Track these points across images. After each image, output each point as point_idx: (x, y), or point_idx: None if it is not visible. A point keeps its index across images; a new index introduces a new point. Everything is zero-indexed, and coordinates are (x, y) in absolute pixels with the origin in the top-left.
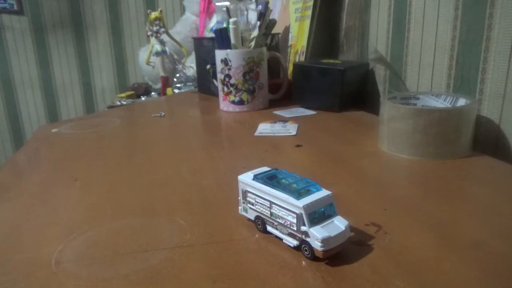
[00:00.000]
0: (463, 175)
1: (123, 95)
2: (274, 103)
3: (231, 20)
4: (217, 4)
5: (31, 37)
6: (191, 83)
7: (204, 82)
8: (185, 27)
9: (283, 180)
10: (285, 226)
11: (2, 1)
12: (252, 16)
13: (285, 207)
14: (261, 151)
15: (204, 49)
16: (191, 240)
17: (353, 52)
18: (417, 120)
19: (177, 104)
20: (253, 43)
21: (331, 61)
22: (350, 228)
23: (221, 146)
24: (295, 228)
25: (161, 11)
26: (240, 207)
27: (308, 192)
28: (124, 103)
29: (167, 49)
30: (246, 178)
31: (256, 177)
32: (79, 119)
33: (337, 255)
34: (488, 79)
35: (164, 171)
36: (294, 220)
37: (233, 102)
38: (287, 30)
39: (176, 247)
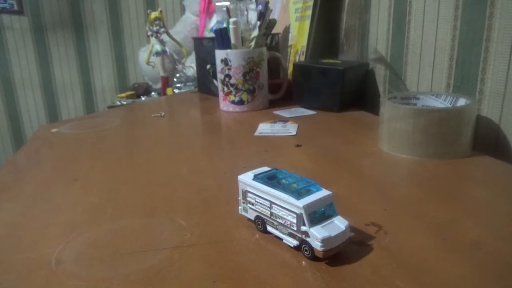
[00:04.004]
0: (463, 175)
1: (123, 95)
2: (274, 103)
3: (231, 20)
4: (217, 4)
5: (31, 37)
6: (191, 83)
7: (204, 82)
8: (185, 27)
9: (283, 180)
10: (285, 226)
11: (2, 1)
12: (252, 16)
13: (285, 207)
14: (261, 151)
15: (204, 49)
16: (191, 240)
17: (353, 52)
18: (417, 120)
19: (177, 104)
20: (253, 43)
21: (331, 61)
22: (350, 228)
23: (221, 146)
24: (295, 228)
25: (161, 11)
26: (240, 207)
27: (308, 192)
28: (124, 103)
29: (167, 49)
30: (246, 178)
31: (256, 177)
32: (79, 119)
33: (337, 255)
34: (488, 79)
35: (164, 171)
36: (294, 220)
37: (233, 102)
38: (287, 30)
39: (176, 247)
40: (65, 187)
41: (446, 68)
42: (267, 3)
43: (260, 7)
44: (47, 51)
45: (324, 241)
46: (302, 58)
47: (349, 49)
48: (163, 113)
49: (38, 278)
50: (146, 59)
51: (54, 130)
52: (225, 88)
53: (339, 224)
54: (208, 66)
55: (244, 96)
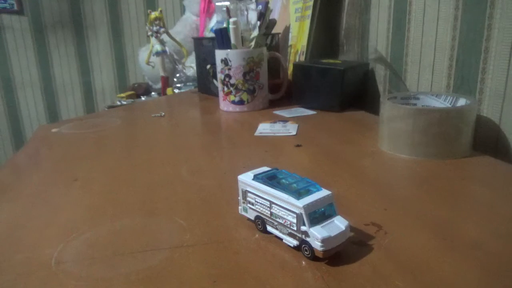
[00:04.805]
0: (463, 175)
1: (123, 95)
2: (274, 103)
3: (231, 20)
4: (217, 4)
5: (31, 37)
6: (191, 83)
7: (204, 82)
8: (185, 27)
9: (283, 180)
10: (285, 226)
11: (2, 1)
12: (252, 16)
13: (285, 207)
14: (261, 151)
15: (204, 49)
16: (191, 240)
17: (353, 52)
18: (417, 120)
19: (177, 104)
20: (253, 43)
21: (331, 61)
22: (350, 228)
23: (221, 146)
24: (295, 228)
25: (161, 11)
26: (240, 207)
27: (308, 192)
28: (124, 103)
29: (167, 49)
30: (246, 178)
31: (256, 177)
32: (79, 119)
33: (337, 255)
34: (488, 79)
35: (164, 171)
36: (294, 220)
37: (233, 102)
38: (287, 30)
39: (176, 247)
40: (65, 187)
41: (446, 68)
42: (267, 3)
43: (260, 7)
44: (47, 51)
45: (324, 241)
46: (302, 58)
47: (349, 49)
48: (163, 113)
49: (38, 278)
50: (146, 59)
51: (54, 130)
52: (225, 88)
53: (339, 224)
54: (208, 66)
55: (244, 96)
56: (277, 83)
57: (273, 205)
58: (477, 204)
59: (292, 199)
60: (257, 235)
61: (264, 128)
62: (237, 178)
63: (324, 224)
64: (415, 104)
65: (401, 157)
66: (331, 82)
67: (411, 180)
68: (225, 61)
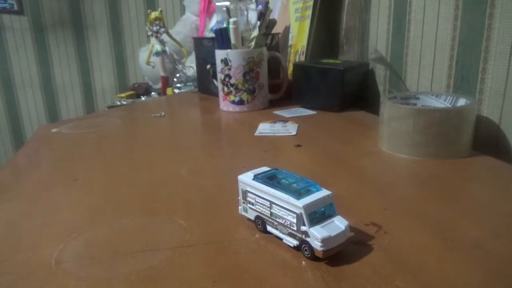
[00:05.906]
0: (463, 175)
1: (123, 95)
2: (274, 103)
3: (231, 20)
4: (217, 4)
5: (31, 37)
6: (191, 83)
7: (204, 82)
8: (185, 27)
9: (283, 180)
10: (285, 226)
11: (2, 1)
12: (252, 16)
13: (285, 207)
14: (261, 151)
15: (204, 49)
16: (191, 240)
17: (353, 52)
18: (417, 120)
19: (177, 104)
20: (253, 43)
21: (331, 61)
22: (350, 228)
23: (221, 146)
24: (295, 228)
25: (161, 11)
26: (240, 207)
27: (308, 192)
28: (124, 103)
29: (167, 49)
30: (246, 178)
31: (256, 177)
32: (79, 119)
33: (337, 255)
34: (488, 79)
35: (164, 171)
36: (294, 220)
37: (233, 102)
38: (287, 30)
39: (176, 247)
40: (65, 187)
41: (446, 68)
42: (267, 3)
43: (260, 7)
44: (47, 51)
45: (324, 241)
46: (302, 58)
47: (349, 49)
48: (163, 113)
49: (38, 278)
50: (146, 59)
51: (54, 130)
52: (225, 88)
53: (339, 224)
54: (208, 66)
55: (244, 96)
56: (277, 83)
57: (273, 205)
58: (477, 204)
59: (292, 199)
60: (257, 235)
61: (264, 128)
62: (237, 178)
63: (324, 224)
64: (415, 104)
65: (401, 157)
66: (331, 82)
67: (411, 180)
68: (225, 61)
